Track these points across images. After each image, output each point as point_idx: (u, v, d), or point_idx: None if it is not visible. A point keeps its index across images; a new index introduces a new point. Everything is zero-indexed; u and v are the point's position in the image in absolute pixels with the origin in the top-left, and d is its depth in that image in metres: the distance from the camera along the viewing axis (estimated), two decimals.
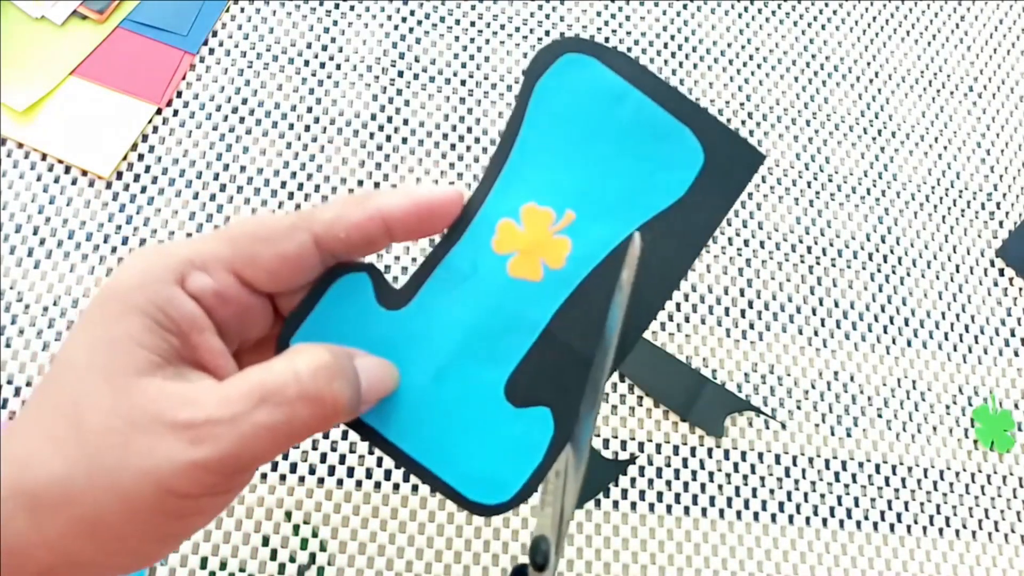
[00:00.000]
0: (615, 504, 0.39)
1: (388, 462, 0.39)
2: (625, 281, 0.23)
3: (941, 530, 0.40)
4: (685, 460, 0.40)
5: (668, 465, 0.40)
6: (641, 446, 0.40)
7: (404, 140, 0.45)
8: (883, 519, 0.40)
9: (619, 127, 0.23)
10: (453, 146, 0.45)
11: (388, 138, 0.45)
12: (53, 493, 0.18)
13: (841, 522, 0.40)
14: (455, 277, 0.23)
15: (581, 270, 0.23)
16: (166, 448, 0.18)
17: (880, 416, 0.42)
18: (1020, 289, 0.45)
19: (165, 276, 0.20)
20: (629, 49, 0.48)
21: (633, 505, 0.39)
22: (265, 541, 0.38)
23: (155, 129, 0.44)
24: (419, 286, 0.23)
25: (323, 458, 0.39)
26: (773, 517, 0.40)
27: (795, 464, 0.41)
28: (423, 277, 0.23)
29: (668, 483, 0.40)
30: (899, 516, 0.40)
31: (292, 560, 0.37)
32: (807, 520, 0.40)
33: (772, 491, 0.40)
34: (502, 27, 0.48)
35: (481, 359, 0.23)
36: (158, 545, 0.19)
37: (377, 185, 0.44)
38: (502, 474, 0.23)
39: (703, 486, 0.40)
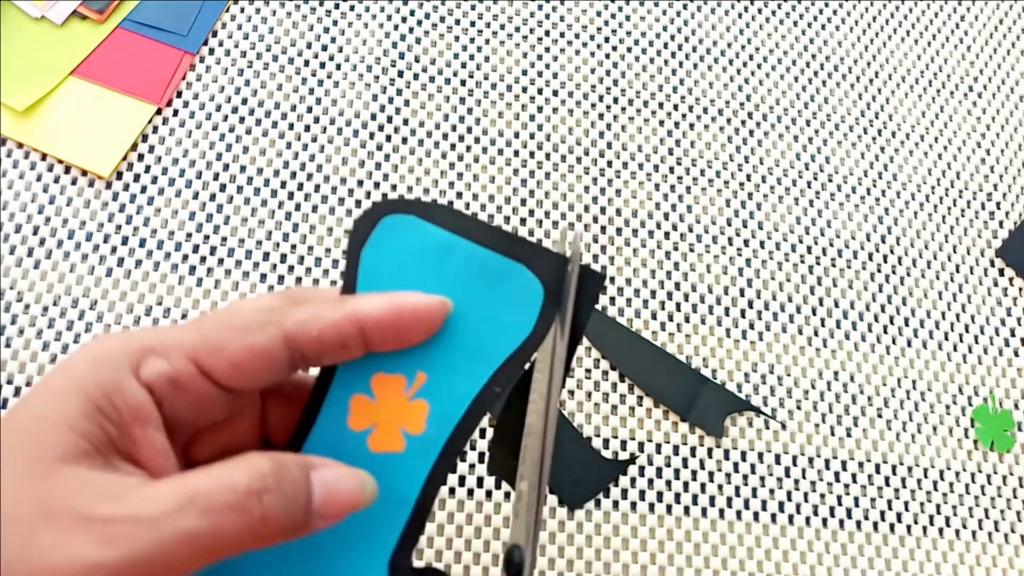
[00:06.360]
0: (615, 504, 0.39)
1: None
2: (570, 276, 0.22)
3: (941, 530, 0.40)
4: (685, 460, 0.40)
5: (668, 465, 0.40)
6: (641, 446, 0.40)
7: (404, 140, 0.45)
8: (883, 519, 0.40)
9: (453, 279, 0.23)
10: (453, 146, 0.45)
11: (388, 138, 0.45)
12: None
13: (841, 522, 0.40)
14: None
15: (443, 431, 0.22)
16: (73, 544, 0.16)
17: (880, 416, 0.42)
18: (1020, 289, 0.45)
19: (119, 360, 0.19)
20: (629, 49, 0.48)
21: (633, 505, 0.39)
22: None
23: (155, 129, 0.44)
24: None
25: None
26: (773, 517, 0.40)
27: (795, 464, 0.41)
28: None
29: (668, 483, 0.40)
30: (899, 516, 0.40)
31: None
32: (807, 520, 0.40)
33: (772, 491, 0.40)
34: (502, 27, 0.48)
35: (357, 542, 0.22)
36: None
37: (377, 186, 0.44)
38: None
39: (703, 486, 0.40)
